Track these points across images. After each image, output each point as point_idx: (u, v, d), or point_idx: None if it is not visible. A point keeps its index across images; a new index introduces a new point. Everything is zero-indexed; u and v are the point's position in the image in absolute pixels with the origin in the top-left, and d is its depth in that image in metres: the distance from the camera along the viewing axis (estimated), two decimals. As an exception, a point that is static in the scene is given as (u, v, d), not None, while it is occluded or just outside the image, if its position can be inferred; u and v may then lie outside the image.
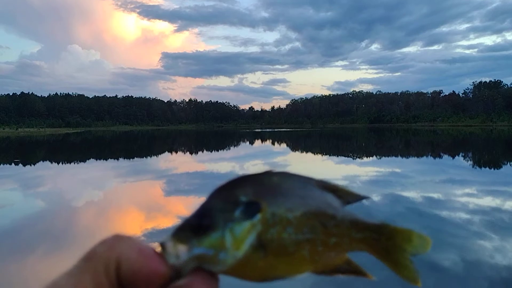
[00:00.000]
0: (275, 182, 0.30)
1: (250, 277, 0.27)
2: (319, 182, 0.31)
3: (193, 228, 0.27)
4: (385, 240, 0.30)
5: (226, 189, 0.29)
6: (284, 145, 25.98)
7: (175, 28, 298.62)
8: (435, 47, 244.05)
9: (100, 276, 0.25)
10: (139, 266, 0.25)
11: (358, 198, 0.33)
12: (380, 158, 15.69)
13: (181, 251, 0.26)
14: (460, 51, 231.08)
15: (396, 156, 16.68)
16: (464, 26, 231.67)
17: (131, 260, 0.25)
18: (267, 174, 0.30)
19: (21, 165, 13.57)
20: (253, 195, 0.28)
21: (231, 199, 0.28)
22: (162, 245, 0.27)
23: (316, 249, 0.28)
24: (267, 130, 72.26)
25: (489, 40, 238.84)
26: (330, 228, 0.29)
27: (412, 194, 6.79)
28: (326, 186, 0.31)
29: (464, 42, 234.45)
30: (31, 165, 13.80)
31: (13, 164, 14.06)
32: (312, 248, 0.28)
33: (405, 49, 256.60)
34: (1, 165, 14.11)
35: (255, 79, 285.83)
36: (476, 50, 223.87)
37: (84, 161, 15.87)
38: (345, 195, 0.32)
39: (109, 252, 0.26)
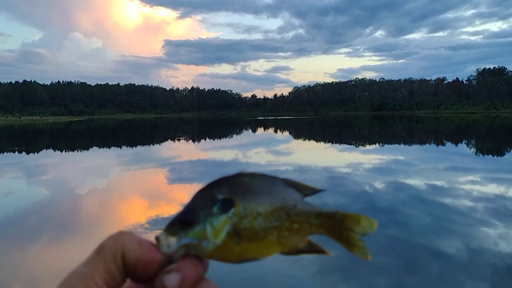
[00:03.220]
0: (246, 181, 0.35)
1: (228, 259, 0.34)
2: (283, 180, 0.36)
3: (180, 223, 0.33)
4: (338, 224, 0.36)
5: (206, 190, 0.35)
6: (286, 133, 25.95)
7: (178, 15, 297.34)
8: (440, 33, 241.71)
9: (109, 263, 0.31)
10: (139, 255, 0.32)
11: (314, 191, 0.37)
12: (383, 145, 15.65)
13: (171, 242, 0.33)
14: (465, 38, 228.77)
15: (399, 143, 16.64)
16: (470, 12, 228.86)
17: (133, 250, 0.32)
18: (240, 176, 0.35)
19: (25, 153, 13.61)
20: (228, 194, 0.34)
21: (210, 198, 0.34)
22: (157, 238, 0.33)
23: (282, 234, 0.35)
24: (270, 118, 72.12)
25: (494, 26, 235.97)
26: (292, 217, 0.35)
27: (415, 181, 6.78)
28: (288, 183, 0.36)
29: (470, 29, 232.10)
30: (34, 153, 13.84)
31: (16, 152, 14.10)
32: (279, 233, 0.34)
33: (410, 36, 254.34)
34: (5, 153, 14.16)
35: (258, 66, 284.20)
36: (481, 36, 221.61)
37: (87, 149, 15.91)
38: (304, 189, 0.37)
39: (115, 244, 0.32)
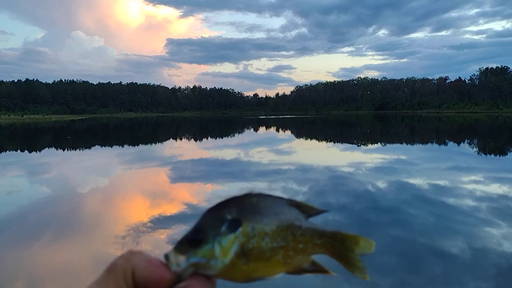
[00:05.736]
0: (254, 202, 0.36)
1: (236, 278, 0.35)
2: (288, 200, 0.38)
3: (189, 242, 0.35)
4: (338, 244, 0.37)
5: (215, 209, 0.36)
6: (288, 132, 25.93)
7: (180, 13, 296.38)
8: (443, 32, 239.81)
9: (120, 282, 0.33)
10: (149, 273, 0.33)
11: (318, 211, 0.39)
12: (385, 145, 15.63)
13: (181, 260, 0.34)
14: (468, 37, 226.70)
15: (401, 143, 16.61)
16: (474, 11, 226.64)
17: (143, 269, 0.33)
18: (248, 196, 0.36)
19: (27, 152, 13.64)
20: (236, 214, 0.35)
21: (219, 217, 0.35)
22: (166, 256, 0.34)
23: (288, 253, 0.36)
24: (272, 117, 72.10)
25: (498, 25, 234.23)
26: (297, 237, 0.36)
27: (418, 181, 6.76)
28: (293, 203, 0.38)
29: (473, 28, 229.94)
30: (37, 152, 13.87)
31: (19, 150, 14.13)
32: (285, 253, 0.36)
33: (413, 35, 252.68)
34: (8, 151, 14.19)
35: (260, 65, 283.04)
36: (484, 35, 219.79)
37: (89, 148, 15.93)
38: (308, 210, 0.38)
39: (126, 263, 0.33)
